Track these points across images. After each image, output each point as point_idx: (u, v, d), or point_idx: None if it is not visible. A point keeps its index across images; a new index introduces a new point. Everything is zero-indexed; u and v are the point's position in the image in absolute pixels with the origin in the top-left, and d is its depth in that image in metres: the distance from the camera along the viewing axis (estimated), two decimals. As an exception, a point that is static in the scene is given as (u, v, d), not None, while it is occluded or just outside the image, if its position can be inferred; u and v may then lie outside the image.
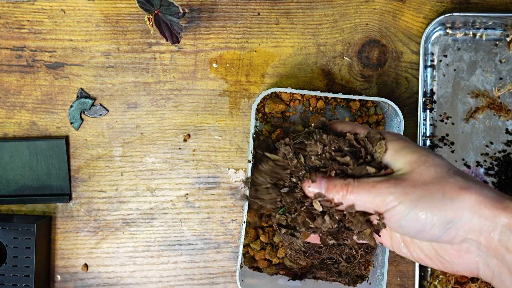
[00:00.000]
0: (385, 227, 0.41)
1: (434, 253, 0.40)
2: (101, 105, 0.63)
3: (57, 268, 0.64)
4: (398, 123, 0.58)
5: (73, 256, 0.64)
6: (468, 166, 0.63)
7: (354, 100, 0.62)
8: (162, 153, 0.64)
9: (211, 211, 0.64)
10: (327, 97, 0.62)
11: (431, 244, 0.40)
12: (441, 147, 0.63)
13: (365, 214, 0.41)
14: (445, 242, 0.38)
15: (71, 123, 0.63)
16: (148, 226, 0.64)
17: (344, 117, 0.63)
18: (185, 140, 0.64)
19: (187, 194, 0.64)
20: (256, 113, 0.60)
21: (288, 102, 0.62)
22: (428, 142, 0.63)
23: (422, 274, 0.63)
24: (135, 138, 0.64)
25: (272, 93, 0.61)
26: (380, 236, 0.43)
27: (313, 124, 0.46)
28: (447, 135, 0.63)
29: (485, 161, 0.62)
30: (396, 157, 0.41)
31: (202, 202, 0.64)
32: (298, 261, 0.60)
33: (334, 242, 0.44)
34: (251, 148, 0.56)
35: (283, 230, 0.46)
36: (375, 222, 0.42)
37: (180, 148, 0.64)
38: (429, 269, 0.63)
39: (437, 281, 0.61)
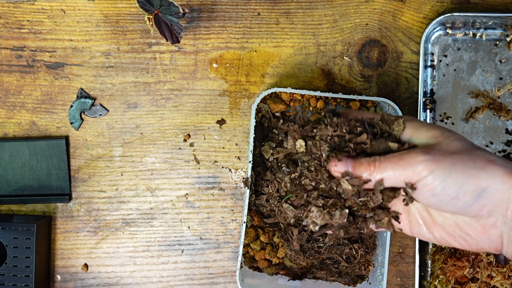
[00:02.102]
0: (412, 201, 0.40)
1: (458, 231, 0.40)
2: (101, 105, 0.63)
3: (57, 268, 0.64)
4: (398, 123, 0.58)
5: (73, 256, 0.64)
6: (468, 166, 0.63)
7: (354, 100, 0.62)
8: (162, 153, 0.64)
9: (211, 211, 0.64)
10: (327, 97, 0.62)
11: (456, 222, 0.39)
12: (441, 147, 0.63)
13: (394, 190, 0.40)
14: (473, 213, 0.38)
15: (71, 123, 0.63)
16: (148, 226, 0.64)
17: (344, 117, 0.63)
18: (185, 140, 0.64)
19: (187, 194, 0.64)
20: (256, 113, 0.60)
21: (288, 102, 0.62)
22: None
23: (422, 274, 0.62)
24: (135, 138, 0.64)
25: (272, 93, 0.61)
26: (399, 223, 0.43)
27: (323, 112, 0.45)
28: (447, 135, 0.63)
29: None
30: (417, 133, 0.41)
31: (202, 202, 0.64)
32: (298, 261, 0.60)
33: (347, 235, 0.44)
34: (251, 148, 0.56)
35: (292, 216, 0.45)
36: (398, 206, 0.41)
37: (180, 148, 0.64)
38: (429, 269, 0.63)
39: (437, 281, 0.61)
